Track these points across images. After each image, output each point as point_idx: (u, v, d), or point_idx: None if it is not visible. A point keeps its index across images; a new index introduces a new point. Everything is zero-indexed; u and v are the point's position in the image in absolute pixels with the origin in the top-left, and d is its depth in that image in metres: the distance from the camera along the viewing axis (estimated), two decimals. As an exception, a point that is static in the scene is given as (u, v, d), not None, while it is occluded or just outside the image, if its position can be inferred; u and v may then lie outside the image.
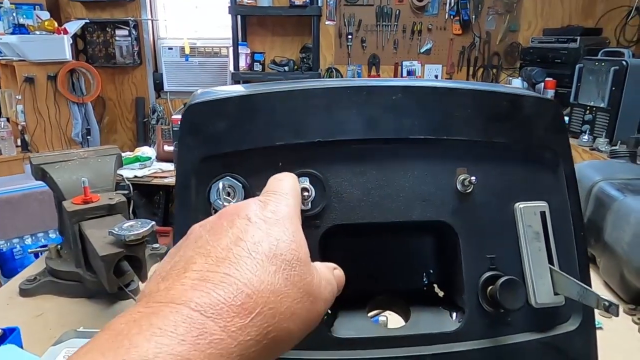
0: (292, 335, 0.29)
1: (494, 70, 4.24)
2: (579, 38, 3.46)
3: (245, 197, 0.46)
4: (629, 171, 1.21)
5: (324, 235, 0.47)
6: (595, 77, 2.77)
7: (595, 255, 1.13)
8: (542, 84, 3.46)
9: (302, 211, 0.47)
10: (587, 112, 2.82)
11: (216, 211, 0.47)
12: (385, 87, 0.48)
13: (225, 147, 0.46)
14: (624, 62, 2.57)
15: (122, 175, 2.68)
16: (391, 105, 0.47)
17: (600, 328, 0.91)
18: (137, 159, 2.94)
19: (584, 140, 2.74)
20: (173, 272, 0.28)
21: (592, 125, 2.78)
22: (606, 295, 0.98)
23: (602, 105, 2.70)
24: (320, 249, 0.47)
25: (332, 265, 0.36)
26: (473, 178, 0.47)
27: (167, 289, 0.27)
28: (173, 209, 4.17)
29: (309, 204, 0.46)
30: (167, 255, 0.31)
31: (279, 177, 0.38)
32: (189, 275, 0.27)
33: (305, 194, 0.45)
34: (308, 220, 0.47)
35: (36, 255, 1.84)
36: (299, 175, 0.47)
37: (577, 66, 2.91)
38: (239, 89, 0.49)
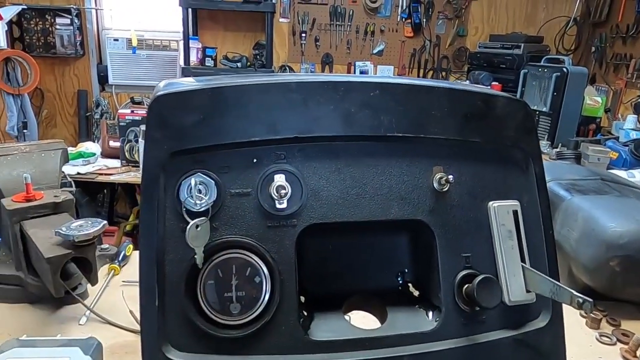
0: None
1: (444, 73, 4.37)
2: (522, 45, 3.64)
3: (218, 196, 0.44)
4: (575, 172, 1.27)
5: (301, 235, 0.45)
6: (538, 83, 2.91)
7: (545, 252, 1.18)
8: (489, 87, 3.60)
9: (278, 210, 0.45)
10: (530, 115, 2.96)
11: (187, 210, 0.44)
12: (362, 84, 0.46)
13: (196, 142, 0.43)
14: (564, 69, 2.72)
15: (63, 172, 2.53)
16: (368, 102, 0.46)
17: (552, 322, 0.95)
18: (80, 155, 2.78)
19: (527, 142, 2.88)
20: None
21: (534, 128, 2.92)
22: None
23: (544, 109, 2.84)
24: (297, 249, 0.45)
25: None
26: (450, 177, 0.47)
27: None
28: (118, 207, 3.98)
29: (285, 202, 0.45)
30: None
31: None
32: None
33: (282, 191, 0.44)
34: (284, 220, 0.45)
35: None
36: (275, 172, 0.45)
37: (522, 72, 3.05)
38: (191, 82, 0.47)
